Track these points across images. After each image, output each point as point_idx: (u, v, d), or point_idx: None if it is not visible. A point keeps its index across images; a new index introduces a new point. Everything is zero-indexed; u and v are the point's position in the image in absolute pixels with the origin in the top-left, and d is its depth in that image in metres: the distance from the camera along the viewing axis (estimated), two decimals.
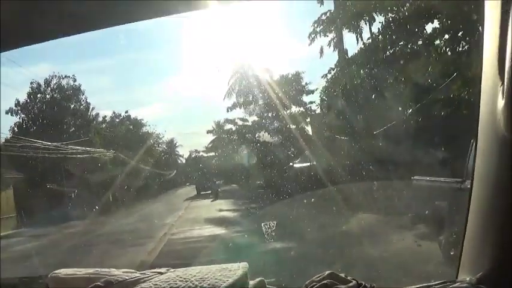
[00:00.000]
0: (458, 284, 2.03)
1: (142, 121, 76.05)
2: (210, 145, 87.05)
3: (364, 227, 17.93)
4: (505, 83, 1.70)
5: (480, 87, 1.96)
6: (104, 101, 71.84)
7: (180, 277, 2.10)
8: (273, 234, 16.08)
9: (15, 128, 47.67)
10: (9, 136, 45.87)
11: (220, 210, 33.37)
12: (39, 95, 49.08)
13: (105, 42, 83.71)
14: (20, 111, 48.45)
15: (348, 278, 2.10)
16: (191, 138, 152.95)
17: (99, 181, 46.29)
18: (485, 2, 1.92)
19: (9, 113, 47.45)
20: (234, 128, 61.59)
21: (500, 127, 1.76)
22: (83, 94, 50.78)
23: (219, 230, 23.97)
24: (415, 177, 15.95)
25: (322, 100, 29.37)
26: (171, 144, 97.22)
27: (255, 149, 58.64)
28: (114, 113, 65.49)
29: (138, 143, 67.89)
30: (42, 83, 48.81)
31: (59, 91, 49.78)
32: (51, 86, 49.44)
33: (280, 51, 78.77)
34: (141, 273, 2.26)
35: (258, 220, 20.03)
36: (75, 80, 49.61)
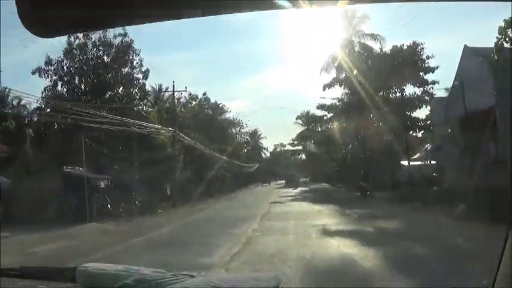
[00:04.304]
0: None
1: (224, 107, 63.07)
2: (297, 138, 77.28)
3: None
4: None
5: None
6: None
7: (212, 282, 1.89)
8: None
9: (44, 93, 33.38)
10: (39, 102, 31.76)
11: (324, 233, 16.91)
12: (78, 52, 33.64)
13: (196, 34, 78.17)
14: (51, 72, 33.65)
15: None
16: (277, 131, 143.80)
17: (148, 169, 30.41)
18: None
19: (37, 74, 32.84)
20: (328, 116, 49.12)
21: None
22: (138, 55, 34.77)
23: None
24: None
25: None
26: (254, 135, 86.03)
27: (353, 141, 44.49)
28: (190, 94, 51.45)
29: (214, 129, 54.67)
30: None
31: (104, 49, 34.25)
32: (95, 41, 34.12)
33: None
34: (172, 275, 2.00)
35: None
36: (125, 35, 33.89)
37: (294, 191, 54.94)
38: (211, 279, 1.92)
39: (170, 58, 75.20)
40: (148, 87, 38.82)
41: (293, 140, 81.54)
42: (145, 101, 38.27)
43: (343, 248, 13.45)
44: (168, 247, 14.72)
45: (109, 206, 26.87)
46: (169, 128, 35.29)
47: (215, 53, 79.04)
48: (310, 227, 18.85)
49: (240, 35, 76.56)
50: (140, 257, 12.26)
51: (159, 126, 33.56)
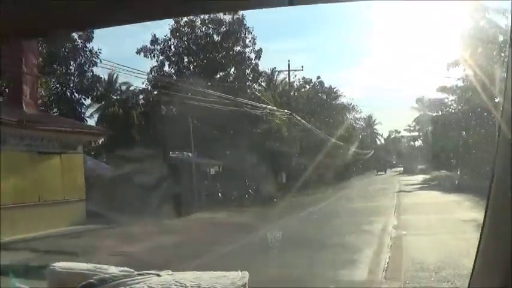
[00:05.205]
0: None
1: (338, 92, 59.47)
2: (413, 124, 72.60)
3: None
4: None
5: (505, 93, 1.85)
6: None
7: (176, 281, 1.87)
8: None
9: (151, 73, 31.26)
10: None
11: None
12: (186, 31, 31.48)
13: (307, 21, 75.19)
14: (157, 52, 31.92)
15: None
16: (391, 117, 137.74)
17: (262, 154, 27.67)
18: None
19: (141, 53, 31.15)
20: (450, 99, 44.21)
21: None
22: (251, 33, 32.07)
23: None
24: None
25: None
26: (369, 121, 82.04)
27: (478, 126, 39.22)
28: (303, 78, 48.86)
29: (329, 114, 51.31)
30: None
31: (212, 26, 31.92)
32: (204, 18, 32.02)
33: None
34: (139, 274, 1.97)
35: None
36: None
37: (415, 178, 50.97)
38: (176, 277, 1.88)
39: (280, 45, 72.42)
40: (261, 69, 36.21)
41: (409, 125, 76.47)
42: (257, 83, 35.60)
43: None
44: (291, 249, 11.11)
45: (220, 194, 24.31)
46: (285, 110, 32.15)
47: (326, 40, 75.68)
48: (462, 223, 14.90)
49: (351, 20, 72.43)
50: (254, 267, 8.87)
51: (274, 108, 30.57)
